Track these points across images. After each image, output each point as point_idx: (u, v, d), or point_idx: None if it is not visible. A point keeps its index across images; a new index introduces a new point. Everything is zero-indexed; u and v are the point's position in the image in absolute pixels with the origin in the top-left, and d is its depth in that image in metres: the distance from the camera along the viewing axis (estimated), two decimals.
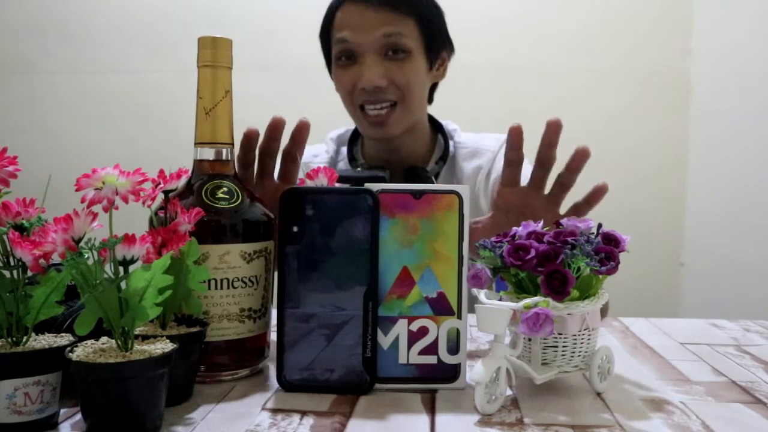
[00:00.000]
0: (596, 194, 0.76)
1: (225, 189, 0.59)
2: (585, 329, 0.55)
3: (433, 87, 1.09)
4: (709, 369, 0.65)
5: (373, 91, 0.97)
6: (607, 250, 0.54)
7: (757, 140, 1.60)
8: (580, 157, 0.74)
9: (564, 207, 0.78)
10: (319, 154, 1.15)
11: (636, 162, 1.88)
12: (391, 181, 1.04)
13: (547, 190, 0.78)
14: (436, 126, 1.12)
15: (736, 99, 1.71)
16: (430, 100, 1.10)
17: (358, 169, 1.07)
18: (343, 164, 1.13)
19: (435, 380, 0.56)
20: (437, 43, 1.02)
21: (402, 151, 1.06)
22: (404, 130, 1.02)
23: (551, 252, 0.52)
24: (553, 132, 0.74)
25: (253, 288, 0.59)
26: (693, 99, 1.90)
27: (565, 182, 0.76)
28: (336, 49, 1.00)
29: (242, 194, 0.60)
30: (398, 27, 0.96)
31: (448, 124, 1.14)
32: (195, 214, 0.54)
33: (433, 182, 1.03)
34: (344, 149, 1.13)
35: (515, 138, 0.76)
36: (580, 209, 0.76)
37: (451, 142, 1.11)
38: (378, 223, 0.55)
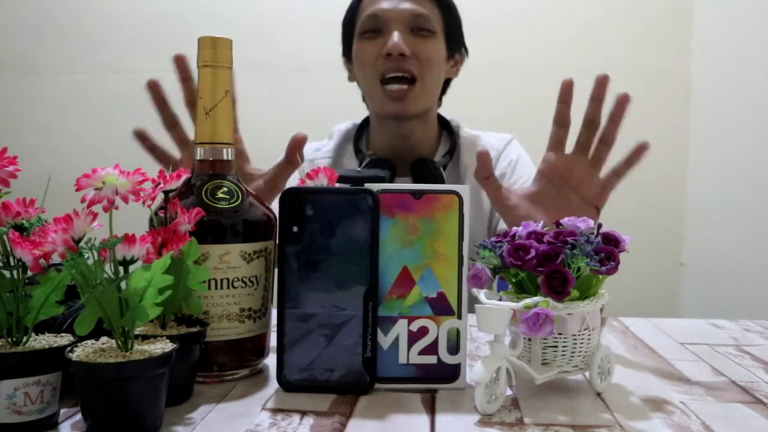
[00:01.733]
0: (637, 153, 0.77)
1: (225, 189, 0.59)
2: (585, 329, 0.55)
3: (445, 85, 1.11)
4: (709, 369, 0.65)
5: (397, 58, 0.98)
6: (607, 250, 0.54)
7: (757, 140, 1.60)
8: (623, 104, 0.77)
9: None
10: (321, 148, 1.15)
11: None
12: (398, 173, 1.05)
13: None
14: (442, 121, 1.13)
15: (736, 99, 1.71)
16: (440, 100, 1.11)
17: (366, 160, 1.07)
18: (347, 159, 1.13)
19: (435, 380, 0.56)
20: (455, 37, 1.07)
21: (411, 140, 1.06)
22: (421, 110, 1.04)
23: (551, 252, 0.52)
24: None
25: (253, 288, 0.59)
26: (693, 99, 1.90)
27: (607, 138, 0.78)
28: (363, 25, 1.02)
29: (242, 194, 0.60)
30: (427, 9, 1.01)
31: (453, 120, 1.14)
32: (195, 214, 0.54)
33: (441, 173, 1.03)
34: (350, 146, 1.13)
35: (565, 92, 0.78)
36: (620, 170, 0.78)
37: (457, 137, 1.12)
38: (378, 223, 0.55)
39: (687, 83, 1.91)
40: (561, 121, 0.80)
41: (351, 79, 1.11)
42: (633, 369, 0.64)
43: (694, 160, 1.90)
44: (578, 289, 0.55)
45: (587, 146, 0.79)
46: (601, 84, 0.77)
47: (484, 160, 0.76)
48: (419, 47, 1.00)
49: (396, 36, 0.98)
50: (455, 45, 1.07)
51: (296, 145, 0.77)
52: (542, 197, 0.80)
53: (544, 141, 0.82)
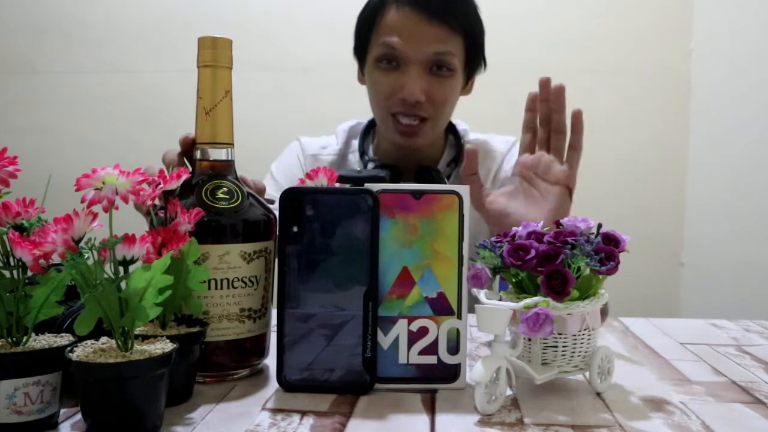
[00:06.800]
0: (576, 120, 0.82)
1: (225, 189, 0.59)
2: (585, 329, 0.55)
3: None
4: (709, 369, 0.65)
5: (412, 104, 0.96)
6: (607, 250, 0.54)
7: (757, 140, 1.60)
8: (577, 118, 0.82)
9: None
10: (328, 146, 1.15)
11: (636, 162, 1.88)
12: (403, 180, 1.04)
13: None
14: (448, 126, 1.12)
15: (736, 99, 1.71)
16: None
17: (370, 164, 1.06)
18: (353, 156, 1.13)
19: (435, 380, 0.56)
20: (476, 63, 1.03)
21: (418, 152, 1.06)
22: (429, 142, 1.04)
23: (551, 252, 0.52)
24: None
25: (253, 288, 0.59)
26: (693, 99, 1.90)
27: (574, 144, 0.83)
28: (379, 51, 0.98)
29: (242, 194, 0.60)
30: (449, 46, 0.96)
31: (459, 123, 1.14)
32: (195, 214, 0.54)
33: (445, 183, 1.03)
34: (355, 142, 1.13)
35: (531, 102, 0.85)
36: (573, 143, 0.83)
37: (462, 143, 1.11)
38: (378, 223, 0.55)
39: (687, 83, 1.91)
40: (528, 129, 0.86)
41: (362, 81, 1.07)
42: (633, 369, 0.64)
43: (694, 160, 1.90)
44: (578, 289, 0.55)
45: (546, 142, 0.86)
46: (544, 86, 0.84)
47: (471, 157, 0.81)
48: (435, 90, 0.96)
49: (412, 81, 0.94)
50: (474, 70, 1.04)
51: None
52: (517, 192, 0.85)
53: None
